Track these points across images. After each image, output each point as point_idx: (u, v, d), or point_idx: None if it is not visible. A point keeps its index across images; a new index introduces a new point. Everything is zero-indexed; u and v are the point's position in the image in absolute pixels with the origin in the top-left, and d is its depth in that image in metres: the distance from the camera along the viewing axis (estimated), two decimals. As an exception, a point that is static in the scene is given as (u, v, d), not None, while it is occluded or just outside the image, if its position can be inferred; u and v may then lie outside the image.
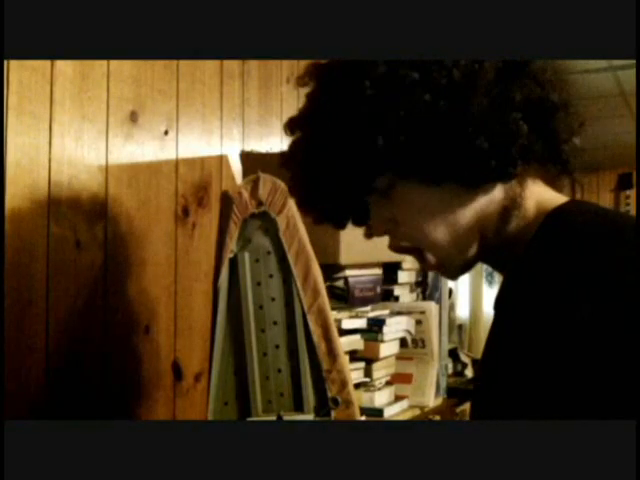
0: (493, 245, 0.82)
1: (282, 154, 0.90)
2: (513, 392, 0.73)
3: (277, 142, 1.96)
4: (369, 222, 0.87)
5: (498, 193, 0.80)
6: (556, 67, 0.80)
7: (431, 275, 2.08)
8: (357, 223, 0.91)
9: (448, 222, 0.80)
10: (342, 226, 0.92)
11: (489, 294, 3.99)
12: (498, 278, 4.08)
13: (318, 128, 0.81)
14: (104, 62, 1.38)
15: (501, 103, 0.75)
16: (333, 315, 1.36)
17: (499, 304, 0.82)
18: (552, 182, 0.84)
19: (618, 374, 0.65)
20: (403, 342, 1.85)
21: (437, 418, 1.95)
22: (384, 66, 0.76)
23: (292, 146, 0.87)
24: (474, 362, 2.77)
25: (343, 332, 1.60)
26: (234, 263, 1.35)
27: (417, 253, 0.84)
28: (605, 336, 0.66)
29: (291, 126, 0.88)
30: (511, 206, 0.80)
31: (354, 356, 1.69)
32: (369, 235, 0.88)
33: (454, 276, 0.87)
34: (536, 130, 0.76)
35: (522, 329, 0.74)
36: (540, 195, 0.82)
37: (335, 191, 0.84)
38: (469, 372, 2.69)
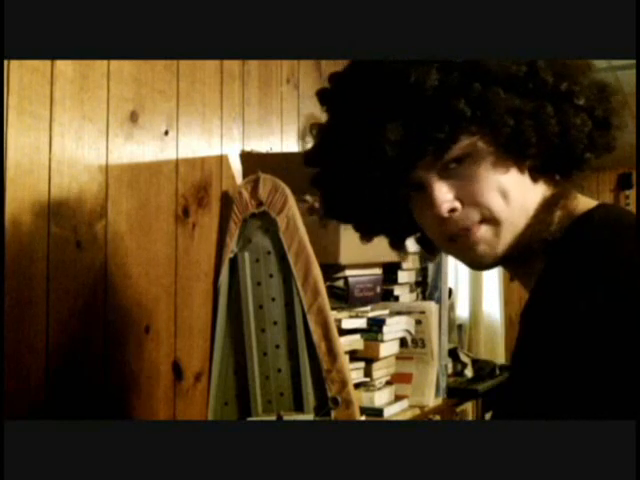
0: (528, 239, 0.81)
1: (321, 133, 0.85)
2: (543, 393, 0.73)
3: (277, 142, 1.96)
4: (433, 202, 0.79)
5: (554, 183, 0.82)
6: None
7: (431, 275, 2.08)
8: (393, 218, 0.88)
9: (519, 199, 0.79)
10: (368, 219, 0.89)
11: (489, 294, 3.98)
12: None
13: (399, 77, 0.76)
14: (104, 62, 1.38)
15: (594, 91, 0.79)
16: (333, 315, 1.36)
17: (530, 310, 0.81)
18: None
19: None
20: (403, 342, 1.85)
21: (437, 418, 1.95)
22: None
23: (355, 113, 0.80)
24: (474, 362, 2.77)
25: (343, 332, 1.60)
26: (234, 263, 1.35)
27: (467, 233, 0.80)
28: (629, 342, 0.66)
29: (349, 91, 0.81)
30: (559, 197, 0.81)
31: (354, 356, 1.69)
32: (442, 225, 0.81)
33: (489, 264, 0.82)
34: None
35: (552, 335, 0.74)
36: (570, 196, 0.83)
37: (395, 164, 0.78)
38: (469, 372, 2.68)
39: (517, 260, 0.83)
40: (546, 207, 0.80)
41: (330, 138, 0.85)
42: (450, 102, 0.75)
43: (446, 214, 0.78)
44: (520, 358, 0.81)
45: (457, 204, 0.78)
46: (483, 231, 0.79)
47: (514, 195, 0.79)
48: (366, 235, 0.93)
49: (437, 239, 0.85)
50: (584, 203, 0.82)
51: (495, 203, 0.78)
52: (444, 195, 0.78)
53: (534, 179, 0.80)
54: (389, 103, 0.77)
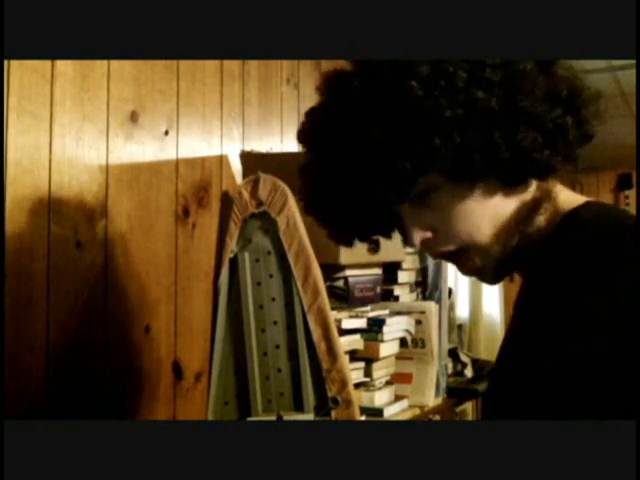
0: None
1: (302, 169, 0.87)
2: (528, 389, 0.73)
3: (277, 142, 1.96)
4: (406, 234, 0.84)
5: (533, 187, 0.81)
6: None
7: (431, 275, 2.08)
8: (384, 235, 0.92)
9: (491, 218, 0.79)
10: (366, 240, 0.92)
11: (489, 294, 3.98)
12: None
13: (358, 132, 0.77)
14: (104, 62, 1.38)
15: (546, 99, 0.76)
16: (333, 315, 1.36)
17: (520, 302, 0.83)
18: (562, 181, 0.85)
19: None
20: (403, 342, 1.85)
21: (437, 418, 1.95)
22: (427, 66, 0.75)
23: (325, 157, 0.83)
24: (474, 362, 2.77)
25: (343, 332, 1.60)
26: (234, 263, 1.35)
27: (457, 257, 0.83)
28: (610, 337, 0.67)
29: (322, 137, 0.83)
30: (542, 199, 0.80)
31: (354, 356, 1.69)
32: (408, 245, 0.86)
33: (495, 278, 0.85)
34: (575, 124, 0.78)
35: (538, 332, 0.74)
36: (561, 194, 0.82)
37: (370, 200, 0.81)
38: (469, 372, 2.68)
39: (517, 262, 0.83)
40: (528, 212, 0.80)
41: (312, 177, 0.87)
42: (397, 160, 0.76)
43: (418, 244, 0.82)
44: (508, 354, 0.82)
45: (429, 234, 0.81)
46: (470, 263, 0.82)
47: (484, 215, 0.79)
48: (384, 235, 0.94)
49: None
50: (571, 200, 0.82)
51: (466, 231, 0.79)
52: (415, 226, 0.82)
53: (505, 192, 0.80)
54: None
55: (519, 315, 0.82)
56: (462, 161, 0.75)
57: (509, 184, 0.79)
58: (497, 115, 0.74)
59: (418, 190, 0.79)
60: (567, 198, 0.82)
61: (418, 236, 0.81)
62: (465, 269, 0.84)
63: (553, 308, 0.73)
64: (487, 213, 0.79)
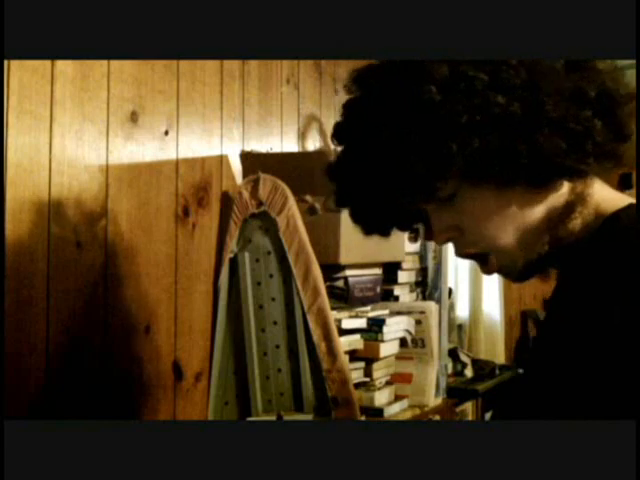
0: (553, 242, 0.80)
1: (331, 166, 0.85)
2: (555, 389, 0.73)
3: (277, 142, 1.96)
4: (432, 229, 0.83)
5: (565, 189, 0.78)
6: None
7: (431, 275, 2.08)
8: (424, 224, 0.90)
9: (516, 223, 0.78)
10: (404, 230, 0.91)
11: (489, 294, 3.98)
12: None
13: (381, 137, 0.76)
14: (104, 62, 1.38)
15: (574, 100, 0.74)
16: (333, 315, 1.36)
17: (552, 303, 0.82)
18: (605, 179, 0.82)
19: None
20: (403, 342, 1.85)
21: (437, 418, 1.95)
22: (446, 68, 0.73)
23: (348, 155, 0.83)
24: (474, 362, 2.78)
25: (343, 332, 1.60)
26: (234, 263, 1.36)
27: (481, 259, 0.82)
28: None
29: (345, 134, 0.82)
30: (576, 202, 0.78)
31: (354, 356, 1.69)
32: (430, 239, 0.86)
33: (520, 279, 0.83)
34: (607, 125, 0.75)
35: (571, 332, 0.74)
36: (600, 193, 0.80)
37: (396, 200, 0.80)
38: (469, 372, 2.69)
39: (549, 263, 0.82)
40: (560, 217, 0.78)
41: (340, 173, 0.86)
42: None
43: (441, 243, 0.83)
44: (539, 352, 0.82)
45: (454, 233, 0.81)
46: (492, 266, 0.81)
47: (508, 219, 0.78)
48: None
49: None
50: (613, 201, 0.79)
51: (489, 235, 0.79)
52: (439, 226, 0.81)
53: (531, 196, 0.78)
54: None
55: (553, 316, 0.81)
56: (482, 166, 0.74)
57: (533, 188, 0.77)
58: (518, 119, 0.73)
59: (448, 191, 0.78)
60: (607, 199, 0.80)
61: (441, 236, 0.82)
62: (488, 271, 0.83)
63: (583, 313, 0.72)
64: (511, 218, 0.78)
